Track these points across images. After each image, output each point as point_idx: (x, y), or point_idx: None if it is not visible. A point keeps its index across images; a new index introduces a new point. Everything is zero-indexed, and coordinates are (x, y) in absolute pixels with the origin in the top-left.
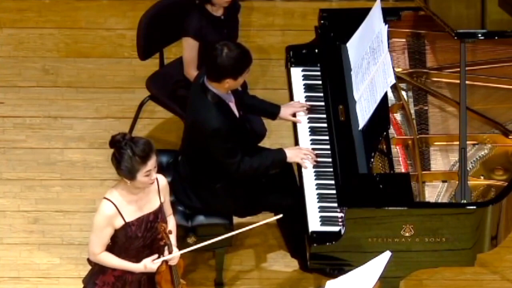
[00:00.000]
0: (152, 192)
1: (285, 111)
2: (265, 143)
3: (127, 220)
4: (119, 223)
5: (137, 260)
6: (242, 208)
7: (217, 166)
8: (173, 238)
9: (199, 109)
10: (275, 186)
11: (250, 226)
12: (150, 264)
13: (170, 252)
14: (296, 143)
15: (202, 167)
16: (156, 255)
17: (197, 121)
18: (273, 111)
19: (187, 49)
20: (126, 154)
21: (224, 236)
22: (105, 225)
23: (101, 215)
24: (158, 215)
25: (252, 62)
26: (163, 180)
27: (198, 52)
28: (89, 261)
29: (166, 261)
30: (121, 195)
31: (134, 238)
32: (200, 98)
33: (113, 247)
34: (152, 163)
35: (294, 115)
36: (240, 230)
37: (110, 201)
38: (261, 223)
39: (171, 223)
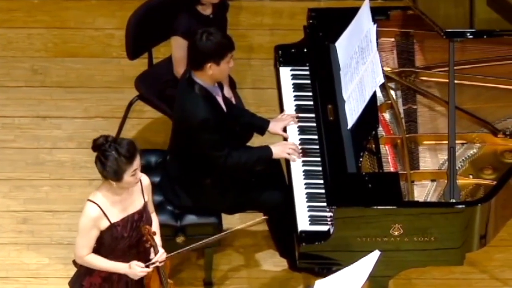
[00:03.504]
0: (135, 192)
1: (275, 126)
2: (254, 142)
3: (112, 221)
4: (105, 224)
5: (124, 260)
6: (231, 205)
7: (206, 161)
8: (157, 238)
9: (186, 101)
10: (264, 184)
11: (230, 230)
12: (137, 268)
13: (155, 253)
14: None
15: (191, 163)
16: (143, 264)
17: (184, 114)
18: (262, 125)
19: (177, 48)
20: (111, 156)
21: (207, 240)
22: (90, 227)
23: (86, 217)
24: (142, 214)
25: (234, 48)
26: (146, 180)
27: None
28: (74, 263)
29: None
30: (105, 196)
31: (120, 239)
32: (187, 92)
33: (99, 249)
34: (137, 162)
35: (284, 129)
36: (223, 233)
37: (95, 203)
38: (245, 225)
39: (155, 221)
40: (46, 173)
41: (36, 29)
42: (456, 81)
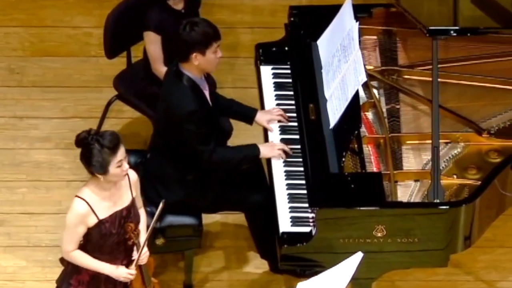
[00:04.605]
0: (123, 188)
1: (262, 116)
2: (234, 142)
3: (100, 218)
4: (92, 221)
5: (112, 257)
6: (212, 203)
7: (189, 157)
8: (143, 235)
9: (173, 92)
10: (245, 185)
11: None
12: (124, 270)
13: (138, 251)
14: (266, 142)
15: (173, 159)
16: (131, 271)
17: (172, 105)
18: (249, 114)
19: (151, 44)
20: (95, 149)
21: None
22: (77, 223)
23: (73, 213)
24: (131, 210)
25: (220, 38)
26: (133, 175)
27: (162, 47)
28: (61, 261)
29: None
30: (93, 192)
31: (109, 235)
32: (174, 83)
33: (86, 245)
34: (121, 152)
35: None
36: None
37: (83, 199)
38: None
39: (143, 217)
40: (23, 174)
41: (12, 27)
42: (439, 80)
